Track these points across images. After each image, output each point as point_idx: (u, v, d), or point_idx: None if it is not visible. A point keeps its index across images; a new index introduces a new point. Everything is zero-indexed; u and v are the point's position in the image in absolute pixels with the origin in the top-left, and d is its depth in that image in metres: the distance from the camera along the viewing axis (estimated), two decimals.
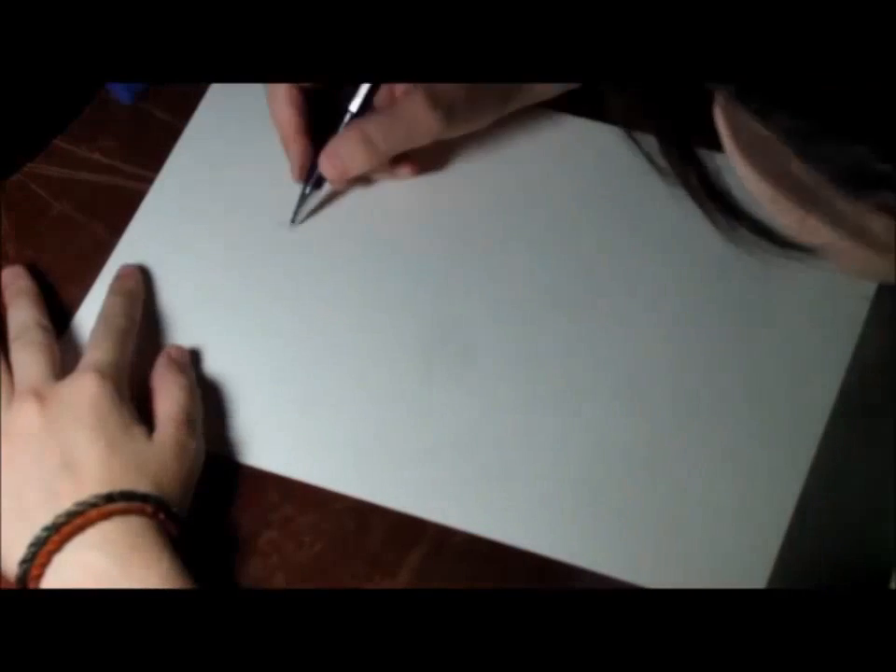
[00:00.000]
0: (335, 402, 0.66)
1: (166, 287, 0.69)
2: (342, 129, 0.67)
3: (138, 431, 0.61)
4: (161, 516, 0.58)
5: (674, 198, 0.69)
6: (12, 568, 0.58)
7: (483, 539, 0.62)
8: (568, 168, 0.72)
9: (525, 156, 0.72)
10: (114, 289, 0.67)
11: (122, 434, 0.60)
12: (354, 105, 0.67)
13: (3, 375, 0.62)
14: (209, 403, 0.65)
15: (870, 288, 0.67)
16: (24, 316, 0.65)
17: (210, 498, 0.63)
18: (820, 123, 0.36)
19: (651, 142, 0.44)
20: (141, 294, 0.68)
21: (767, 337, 0.67)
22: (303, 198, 0.69)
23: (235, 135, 0.73)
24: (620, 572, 0.61)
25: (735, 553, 0.61)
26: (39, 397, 0.60)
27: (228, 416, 0.66)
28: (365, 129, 0.66)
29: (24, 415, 0.60)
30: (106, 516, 0.57)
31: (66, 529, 0.56)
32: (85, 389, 0.60)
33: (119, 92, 0.74)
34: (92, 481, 0.58)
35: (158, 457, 0.60)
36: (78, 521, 0.56)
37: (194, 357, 0.67)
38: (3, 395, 0.61)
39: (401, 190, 0.71)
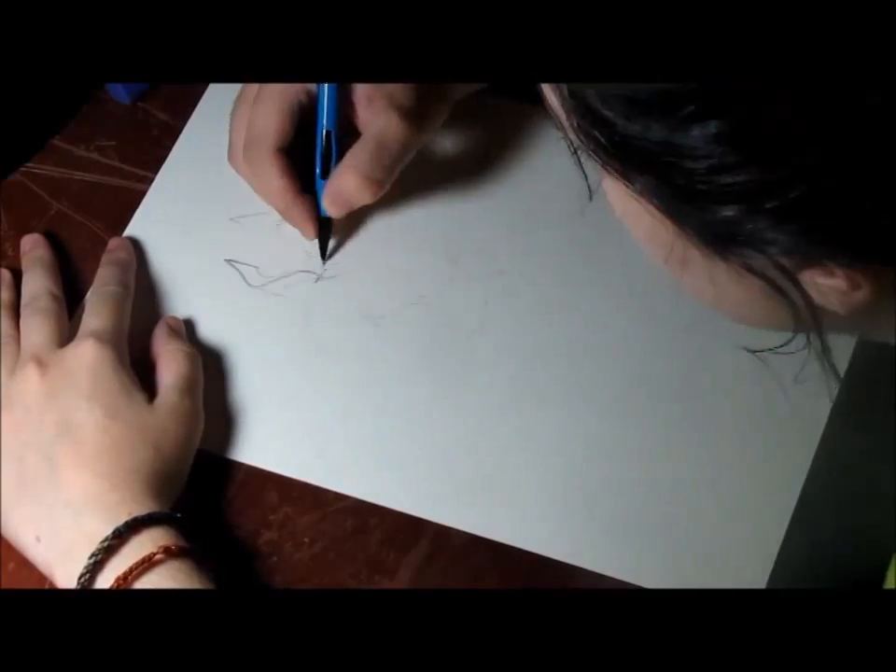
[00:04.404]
0: (335, 403, 0.66)
1: (165, 287, 0.69)
2: (319, 156, 0.67)
3: (138, 397, 0.61)
4: (177, 544, 0.57)
5: None
6: (10, 534, 0.59)
7: (483, 539, 0.62)
8: (569, 168, 0.72)
9: (525, 156, 0.72)
10: (105, 260, 0.68)
11: (122, 399, 0.61)
12: (326, 124, 0.66)
13: (10, 342, 0.63)
14: (210, 404, 0.65)
15: None
16: (36, 285, 0.66)
17: (210, 499, 0.64)
18: (677, 188, 0.38)
19: None
20: (132, 263, 0.69)
21: (767, 338, 0.67)
22: (325, 244, 0.69)
23: None
24: (620, 572, 0.61)
25: (735, 552, 0.61)
26: (40, 364, 0.61)
27: (229, 417, 0.66)
28: (357, 165, 0.65)
29: (25, 382, 0.61)
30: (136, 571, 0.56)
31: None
32: (84, 356, 0.61)
33: (118, 92, 0.74)
34: (91, 446, 0.59)
35: (158, 422, 0.61)
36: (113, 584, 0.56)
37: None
38: (8, 361, 0.62)
39: (399, 190, 0.71)
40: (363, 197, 0.66)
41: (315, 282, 0.69)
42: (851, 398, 0.64)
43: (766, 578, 0.61)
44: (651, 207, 0.41)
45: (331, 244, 0.70)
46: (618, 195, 0.44)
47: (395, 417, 0.65)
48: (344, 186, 0.66)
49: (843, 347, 0.66)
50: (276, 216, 0.70)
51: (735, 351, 0.67)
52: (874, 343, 0.65)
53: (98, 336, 0.62)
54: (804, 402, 0.65)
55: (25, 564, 0.59)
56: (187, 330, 0.67)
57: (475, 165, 0.72)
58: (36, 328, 0.63)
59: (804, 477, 0.63)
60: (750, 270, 0.40)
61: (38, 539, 0.58)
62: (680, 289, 0.47)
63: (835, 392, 0.61)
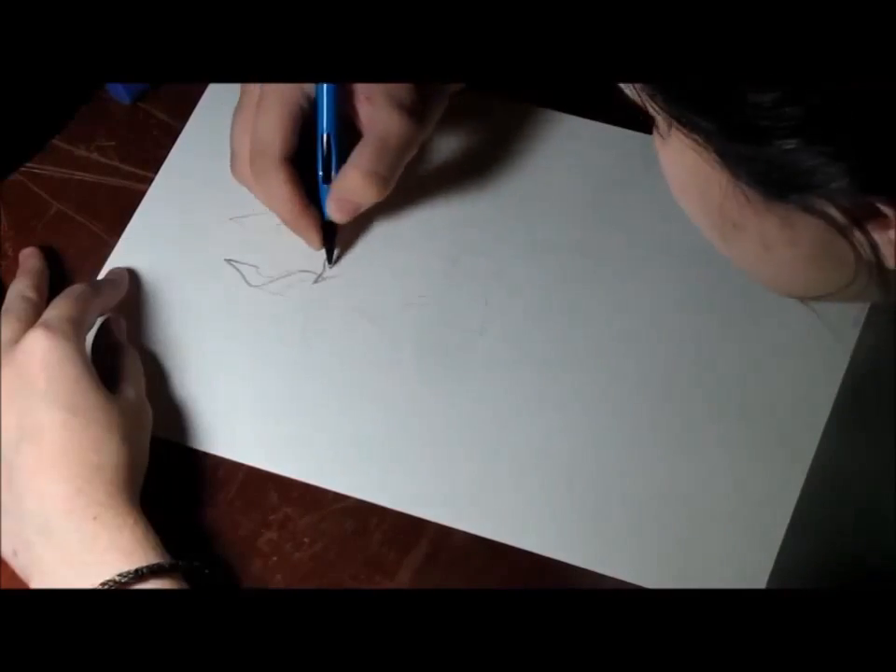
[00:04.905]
0: (335, 403, 0.66)
1: (165, 287, 0.69)
2: (320, 160, 0.67)
3: (97, 387, 0.59)
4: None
5: (673, 198, 0.69)
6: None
7: (483, 539, 0.62)
8: (568, 168, 0.72)
9: (524, 156, 0.72)
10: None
11: (80, 391, 0.58)
12: (326, 127, 0.66)
13: None
14: (209, 405, 0.65)
15: None
16: (13, 291, 0.65)
17: (210, 499, 0.64)
18: (732, 124, 0.39)
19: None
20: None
21: (767, 338, 0.67)
22: (332, 249, 0.69)
23: None
24: (620, 572, 0.61)
25: (735, 552, 0.61)
26: None
27: (228, 417, 0.66)
28: (362, 164, 0.65)
29: None
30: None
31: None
32: (34, 349, 0.59)
33: (118, 93, 0.74)
34: (53, 448, 0.57)
35: (122, 413, 0.60)
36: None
37: (192, 355, 0.67)
38: None
39: (399, 190, 0.71)
40: (370, 196, 0.66)
41: (315, 282, 0.69)
42: (851, 398, 0.64)
43: (766, 578, 0.61)
44: (710, 160, 0.41)
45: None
46: (674, 159, 0.44)
47: (395, 417, 0.65)
48: (350, 186, 0.66)
49: (842, 347, 0.66)
50: (277, 216, 0.70)
51: (735, 352, 0.67)
52: (872, 344, 0.65)
53: (47, 325, 0.60)
54: (803, 402, 0.65)
55: None
56: (186, 329, 0.67)
57: (475, 166, 0.72)
58: (2, 329, 0.62)
59: (804, 477, 0.63)
60: (810, 210, 0.40)
61: (15, 554, 0.58)
62: (732, 259, 0.47)
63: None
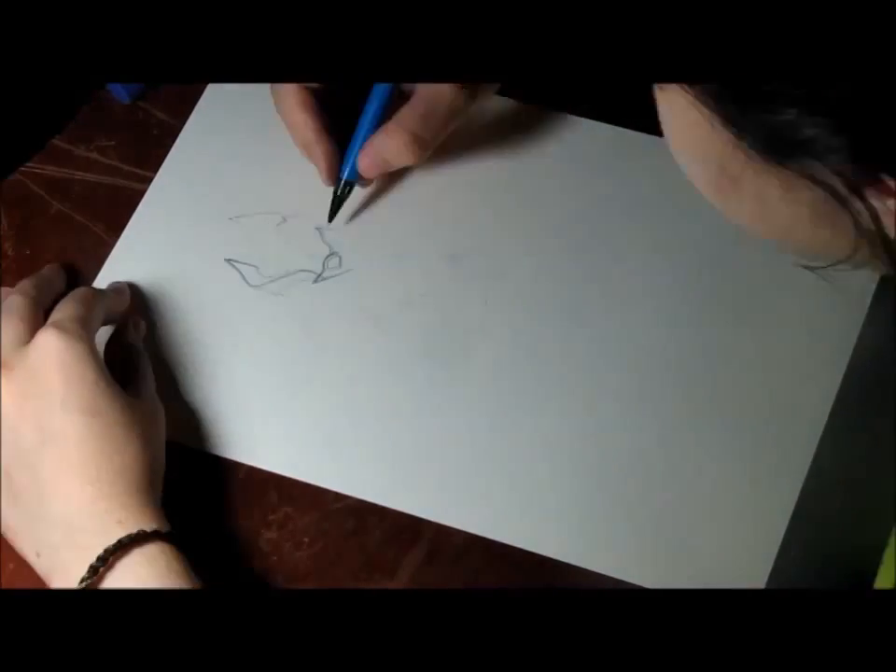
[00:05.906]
0: (335, 403, 0.66)
1: (165, 287, 0.69)
2: (364, 124, 0.67)
3: (115, 388, 0.59)
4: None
5: (673, 198, 0.69)
6: (16, 549, 0.58)
7: (483, 539, 0.62)
8: (568, 168, 0.72)
9: (525, 156, 0.72)
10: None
11: (98, 393, 0.58)
12: (374, 106, 0.67)
13: None
14: (210, 405, 0.65)
15: (870, 288, 0.67)
16: (14, 289, 0.64)
17: (210, 498, 0.64)
18: (734, 87, 0.39)
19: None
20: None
21: (767, 337, 0.67)
22: (337, 200, 0.69)
23: (232, 135, 0.73)
24: (620, 572, 0.61)
25: (735, 552, 0.61)
26: (7, 366, 0.58)
27: (228, 417, 0.66)
28: (406, 124, 0.65)
29: None
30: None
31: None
32: (46, 349, 0.58)
33: (118, 92, 0.74)
34: (77, 452, 0.57)
35: (141, 414, 0.59)
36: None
37: (191, 355, 0.67)
38: None
39: (399, 188, 0.71)
40: (406, 158, 0.66)
41: (315, 282, 0.69)
42: (851, 398, 0.64)
43: (766, 578, 0.61)
44: (712, 116, 0.41)
45: (333, 244, 0.70)
46: (673, 109, 0.44)
47: (394, 417, 0.65)
48: (389, 144, 0.66)
49: (843, 346, 0.66)
50: (276, 215, 0.70)
51: (734, 351, 0.67)
52: (872, 345, 0.65)
53: (59, 325, 0.59)
54: (804, 401, 0.65)
55: (25, 564, 0.59)
56: (185, 331, 0.67)
57: (476, 165, 0.72)
58: (3, 330, 0.60)
59: (804, 477, 0.63)
60: (811, 178, 0.40)
61: (38, 555, 0.58)
62: (725, 214, 0.47)
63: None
